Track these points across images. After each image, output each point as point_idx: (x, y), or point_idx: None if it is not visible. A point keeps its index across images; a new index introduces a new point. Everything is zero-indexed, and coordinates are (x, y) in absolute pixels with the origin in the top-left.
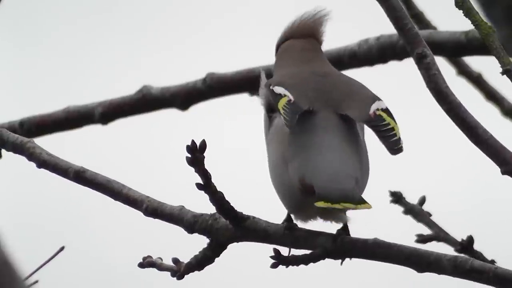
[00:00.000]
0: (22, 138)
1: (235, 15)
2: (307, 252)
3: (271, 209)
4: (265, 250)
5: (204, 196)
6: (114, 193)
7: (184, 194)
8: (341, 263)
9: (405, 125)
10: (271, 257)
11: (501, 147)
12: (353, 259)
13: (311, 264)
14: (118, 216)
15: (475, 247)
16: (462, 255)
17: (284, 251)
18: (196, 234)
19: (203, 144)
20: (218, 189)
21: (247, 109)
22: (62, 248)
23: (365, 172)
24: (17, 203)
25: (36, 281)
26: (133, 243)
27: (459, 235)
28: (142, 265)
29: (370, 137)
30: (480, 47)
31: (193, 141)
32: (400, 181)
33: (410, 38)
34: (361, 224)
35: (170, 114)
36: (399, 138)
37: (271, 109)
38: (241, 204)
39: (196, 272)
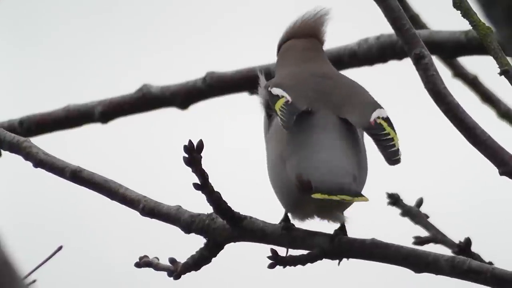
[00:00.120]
0: (19, 137)
1: (235, 15)
2: (305, 252)
3: (269, 209)
4: (263, 250)
5: (201, 196)
6: (111, 193)
7: (184, 193)
8: (339, 263)
9: (404, 125)
10: (269, 257)
11: (499, 148)
12: (350, 259)
13: (309, 264)
14: (116, 215)
15: (472, 249)
16: (459, 256)
17: (282, 251)
18: (193, 234)
19: (200, 144)
20: (215, 189)
21: (247, 108)
22: (60, 248)
23: (363, 172)
24: (15, 202)
25: (34, 281)
26: (130, 243)
27: (457, 237)
28: (138, 265)
29: (369, 138)
30: (479, 47)
31: (190, 141)
32: (398, 182)
33: (408, 39)
34: (359, 226)
35: (170, 113)
36: (398, 149)
37: (270, 109)
38: (240, 203)
39: (193, 272)
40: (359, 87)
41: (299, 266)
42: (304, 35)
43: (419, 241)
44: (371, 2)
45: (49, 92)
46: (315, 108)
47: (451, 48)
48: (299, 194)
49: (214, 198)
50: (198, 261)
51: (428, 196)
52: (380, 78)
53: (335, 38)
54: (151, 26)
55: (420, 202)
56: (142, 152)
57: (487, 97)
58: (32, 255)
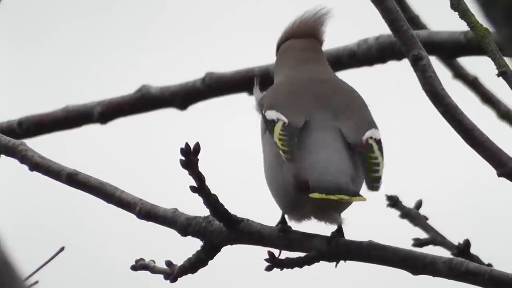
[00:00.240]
0: (14, 140)
1: (234, 15)
2: (302, 254)
3: (268, 209)
4: (260, 252)
5: (198, 198)
6: (107, 196)
7: (184, 193)
8: (336, 265)
9: (404, 126)
10: (266, 259)
11: (497, 149)
12: (348, 261)
13: (306, 266)
14: (115, 216)
15: (471, 251)
16: (458, 258)
17: (277, 253)
18: (189, 237)
19: (197, 147)
20: (212, 192)
21: (246, 108)
22: (62, 249)
23: (360, 174)
24: (15, 202)
25: (36, 282)
26: (128, 244)
27: (456, 238)
28: (134, 268)
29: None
30: (479, 47)
31: (187, 144)
32: (397, 182)
33: (405, 40)
34: (357, 228)
35: (169, 114)
36: (380, 176)
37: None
38: (239, 203)
39: (189, 275)
40: (358, 97)
41: (296, 269)
42: (303, 35)
43: (418, 243)
44: (370, 2)
45: (48, 93)
46: (313, 112)
47: (450, 49)
48: (297, 194)
49: (210, 200)
50: (194, 264)
51: (427, 198)
52: (379, 78)
53: (334, 39)
54: (150, 27)
55: (419, 204)
56: (141, 152)
57: (487, 98)
58: (31, 255)
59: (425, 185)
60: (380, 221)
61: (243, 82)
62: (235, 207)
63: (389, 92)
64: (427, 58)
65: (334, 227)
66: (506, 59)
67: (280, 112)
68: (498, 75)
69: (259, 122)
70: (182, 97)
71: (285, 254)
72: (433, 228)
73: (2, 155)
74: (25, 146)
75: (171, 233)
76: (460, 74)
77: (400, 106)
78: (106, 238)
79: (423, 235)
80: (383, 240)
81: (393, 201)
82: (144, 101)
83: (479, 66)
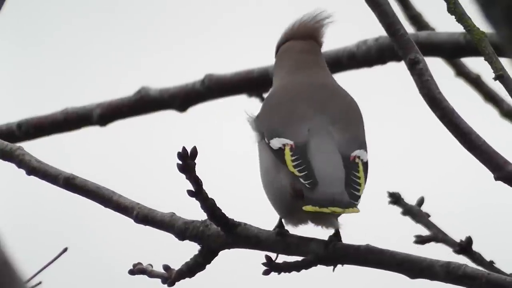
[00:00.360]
0: (12, 145)
1: (234, 16)
2: (299, 258)
3: (265, 213)
4: (257, 256)
5: (196, 202)
6: (104, 200)
7: (183, 195)
8: (333, 269)
9: (403, 126)
10: (263, 263)
11: (494, 153)
12: (345, 265)
13: (303, 270)
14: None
15: (473, 248)
16: (454, 261)
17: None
18: (187, 241)
19: (194, 151)
20: (210, 196)
21: (246, 110)
22: (65, 250)
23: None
24: (15, 203)
25: (39, 283)
26: (127, 248)
27: (458, 237)
28: (132, 272)
29: (370, 136)
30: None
31: (184, 148)
32: (399, 182)
33: (402, 44)
34: (359, 226)
35: (168, 116)
36: (359, 196)
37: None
38: (237, 206)
39: (187, 279)
40: (355, 109)
41: (293, 273)
42: (303, 37)
43: (420, 240)
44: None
45: (47, 94)
46: (312, 118)
47: (450, 50)
48: (293, 201)
49: (208, 205)
50: (192, 268)
51: (428, 196)
52: (379, 79)
53: (334, 40)
54: (149, 28)
55: (421, 201)
56: (140, 154)
57: (490, 97)
58: (31, 256)
59: (424, 186)
60: (382, 219)
61: (243, 84)
62: (233, 209)
63: (389, 93)
64: (424, 62)
65: (331, 231)
66: (506, 60)
67: (283, 137)
68: (495, 78)
69: (252, 125)
70: (182, 99)
71: (282, 258)
72: (435, 225)
73: None
74: (22, 150)
75: (169, 237)
76: (462, 72)
77: (399, 106)
78: (105, 241)
79: (425, 232)
80: (385, 237)
81: (395, 198)
82: (144, 103)
83: (482, 64)
